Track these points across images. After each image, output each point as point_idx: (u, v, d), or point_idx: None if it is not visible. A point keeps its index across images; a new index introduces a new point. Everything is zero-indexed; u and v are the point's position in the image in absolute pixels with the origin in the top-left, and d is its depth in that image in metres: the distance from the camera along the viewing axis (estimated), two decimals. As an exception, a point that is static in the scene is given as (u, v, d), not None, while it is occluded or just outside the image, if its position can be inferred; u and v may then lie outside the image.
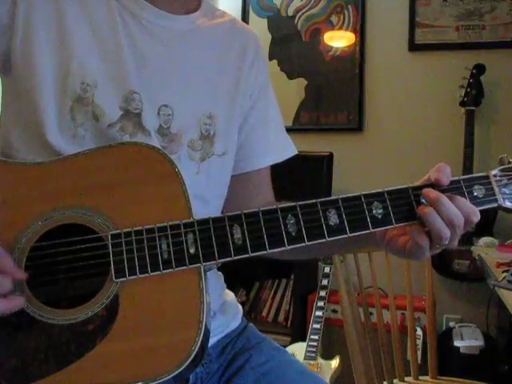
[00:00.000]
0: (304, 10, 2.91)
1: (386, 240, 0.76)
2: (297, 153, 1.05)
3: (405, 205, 0.73)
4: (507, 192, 0.74)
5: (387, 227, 0.73)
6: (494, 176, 0.75)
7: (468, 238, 2.29)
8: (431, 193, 0.71)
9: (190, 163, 0.86)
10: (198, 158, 0.88)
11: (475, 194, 0.73)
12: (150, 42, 0.85)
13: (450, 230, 0.70)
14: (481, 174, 0.75)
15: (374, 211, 0.72)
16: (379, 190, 0.73)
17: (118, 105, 0.81)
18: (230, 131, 0.93)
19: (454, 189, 0.73)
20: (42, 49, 0.79)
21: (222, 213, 0.92)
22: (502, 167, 0.76)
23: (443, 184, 0.72)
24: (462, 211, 0.70)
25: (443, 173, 0.73)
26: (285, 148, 1.04)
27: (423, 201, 0.72)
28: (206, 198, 0.89)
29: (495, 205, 0.74)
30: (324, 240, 0.71)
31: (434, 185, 0.73)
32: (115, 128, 0.80)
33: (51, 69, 0.79)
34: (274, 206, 0.72)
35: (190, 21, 0.92)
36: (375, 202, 0.72)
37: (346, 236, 0.71)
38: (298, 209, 0.71)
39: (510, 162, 0.76)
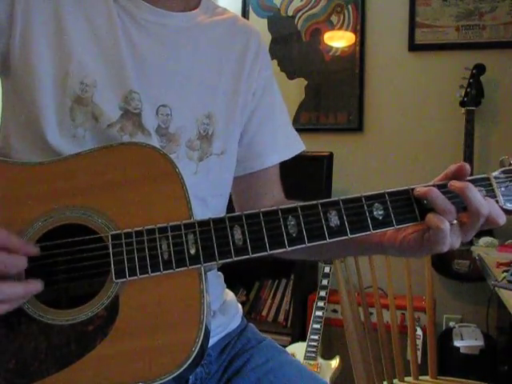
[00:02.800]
0: (304, 10, 2.91)
1: (397, 243, 0.75)
2: (305, 148, 1.04)
3: (405, 206, 0.73)
4: (508, 193, 0.74)
5: (388, 228, 0.73)
6: (495, 178, 0.75)
7: (468, 238, 2.28)
8: (457, 183, 0.72)
9: (188, 163, 0.86)
10: (196, 157, 0.87)
11: (476, 195, 0.73)
12: (148, 41, 0.85)
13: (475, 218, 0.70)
14: (482, 176, 0.75)
15: (374, 212, 0.72)
16: (380, 192, 0.73)
17: (117, 105, 0.81)
18: (229, 130, 0.92)
19: None
20: (40, 49, 0.79)
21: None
22: (502, 169, 0.76)
23: (465, 172, 0.73)
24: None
25: (464, 165, 0.74)
26: (292, 144, 1.03)
27: (424, 202, 0.72)
28: (205, 198, 0.89)
29: (496, 206, 0.74)
30: (325, 241, 0.71)
31: (439, 186, 0.72)
32: (115, 128, 0.80)
33: (50, 69, 0.79)
34: (275, 207, 0.71)
35: (189, 18, 0.91)
36: (376, 204, 0.72)
37: (346, 237, 0.71)
38: (299, 210, 0.71)
39: (510, 164, 0.76)
